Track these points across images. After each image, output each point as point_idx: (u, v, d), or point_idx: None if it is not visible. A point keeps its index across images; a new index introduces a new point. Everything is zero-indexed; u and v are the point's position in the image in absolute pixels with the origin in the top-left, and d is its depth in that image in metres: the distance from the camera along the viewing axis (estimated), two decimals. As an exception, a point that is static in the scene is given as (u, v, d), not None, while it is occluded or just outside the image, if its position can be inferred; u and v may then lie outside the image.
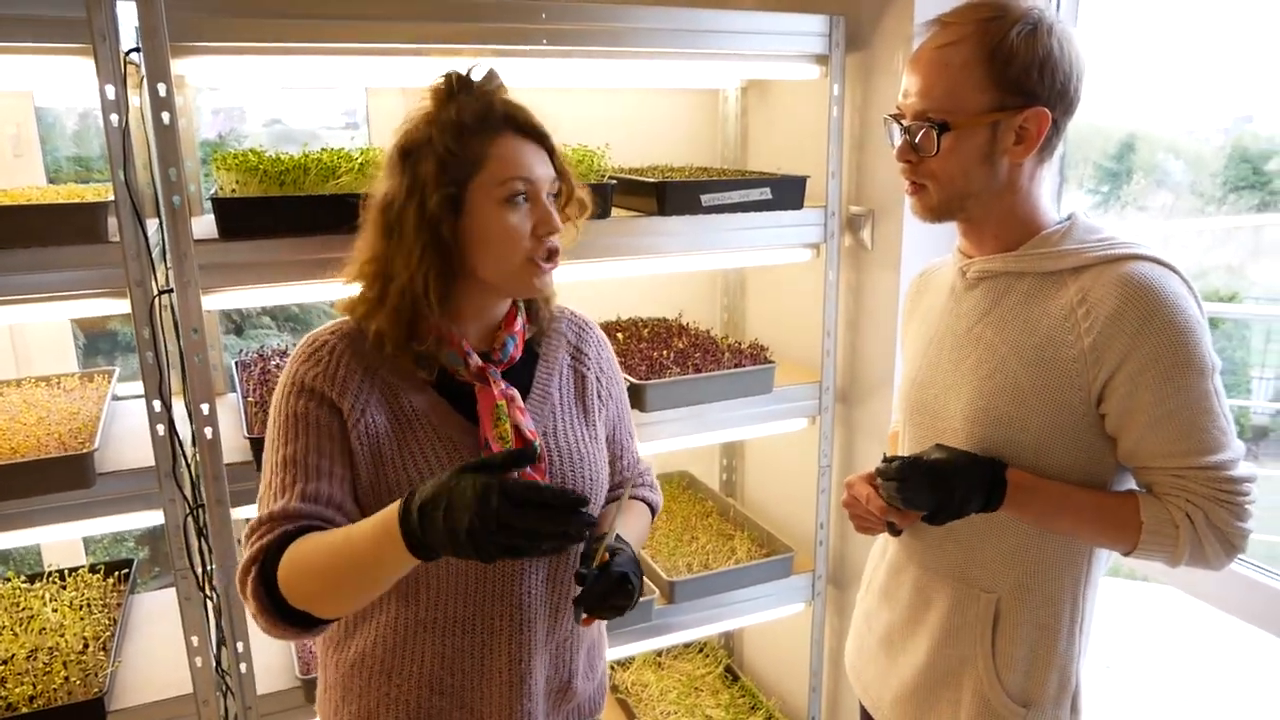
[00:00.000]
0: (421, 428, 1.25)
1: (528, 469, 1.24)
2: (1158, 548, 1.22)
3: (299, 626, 1.15)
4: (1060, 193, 2.07)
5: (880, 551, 1.57)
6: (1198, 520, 1.19)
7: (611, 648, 2.11)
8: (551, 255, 1.25)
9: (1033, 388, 1.26)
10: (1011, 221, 1.31)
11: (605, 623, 1.49)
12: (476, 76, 1.25)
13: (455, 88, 1.23)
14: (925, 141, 1.26)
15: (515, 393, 1.29)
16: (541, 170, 1.23)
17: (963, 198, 1.29)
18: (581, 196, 1.33)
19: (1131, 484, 1.32)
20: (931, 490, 1.26)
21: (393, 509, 1.06)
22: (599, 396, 1.42)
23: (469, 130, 1.20)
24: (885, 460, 1.32)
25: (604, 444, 1.41)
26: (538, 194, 1.23)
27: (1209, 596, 1.71)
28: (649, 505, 1.53)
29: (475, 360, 1.27)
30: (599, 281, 2.03)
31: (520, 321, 1.33)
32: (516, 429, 1.26)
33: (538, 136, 1.25)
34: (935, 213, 1.32)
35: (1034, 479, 1.27)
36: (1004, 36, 1.20)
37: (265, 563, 1.14)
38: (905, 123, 1.28)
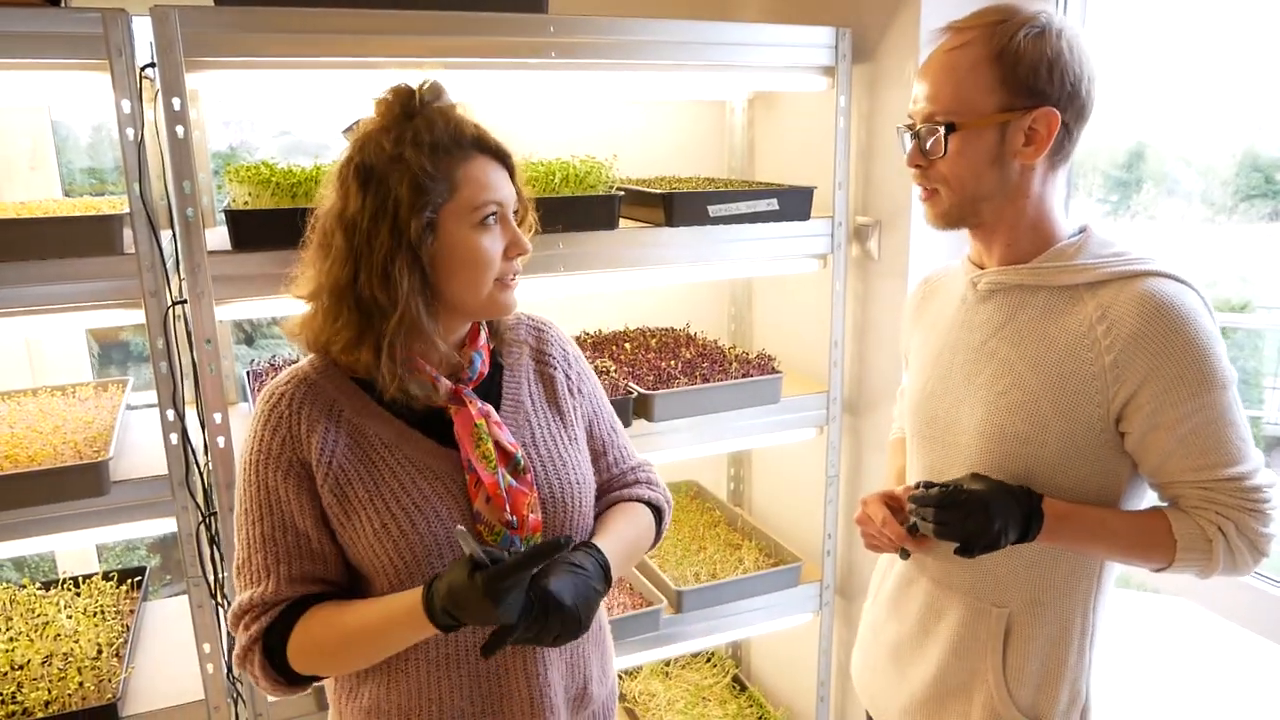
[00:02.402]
0: (399, 462, 1.22)
1: (512, 482, 1.23)
2: (1192, 562, 1.22)
3: (305, 684, 1.23)
4: (1068, 202, 2.07)
5: (889, 562, 1.55)
6: (1229, 532, 1.19)
7: (618, 657, 2.11)
8: (515, 274, 1.25)
9: (1050, 404, 1.25)
10: (1023, 229, 1.30)
11: (609, 626, 1.47)
12: (416, 85, 1.21)
13: (415, 104, 1.20)
14: (934, 144, 1.26)
15: (490, 408, 1.27)
16: (507, 191, 1.23)
17: (974, 201, 1.28)
18: (533, 212, 1.33)
19: (1146, 497, 1.32)
20: (970, 522, 1.23)
21: (413, 600, 1.11)
22: (570, 394, 1.40)
23: (443, 151, 1.17)
24: (923, 486, 1.30)
25: (584, 444, 1.39)
26: (506, 215, 1.23)
27: (1227, 611, 1.69)
28: (652, 506, 1.44)
29: (445, 384, 1.24)
30: (607, 291, 2.04)
31: (484, 336, 1.32)
32: (497, 444, 1.24)
33: (501, 156, 1.24)
34: (947, 218, 1.31)
35: (1069, 507, 1.25)
36: (1011, 37, 1.21)
37: (266, 643, 1.18)
38: (916, 128, 1.29)
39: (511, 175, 1.25)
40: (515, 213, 1.26)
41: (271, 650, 1.18)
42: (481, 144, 1.21)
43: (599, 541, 1.26)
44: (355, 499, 1.20)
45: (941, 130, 1.24)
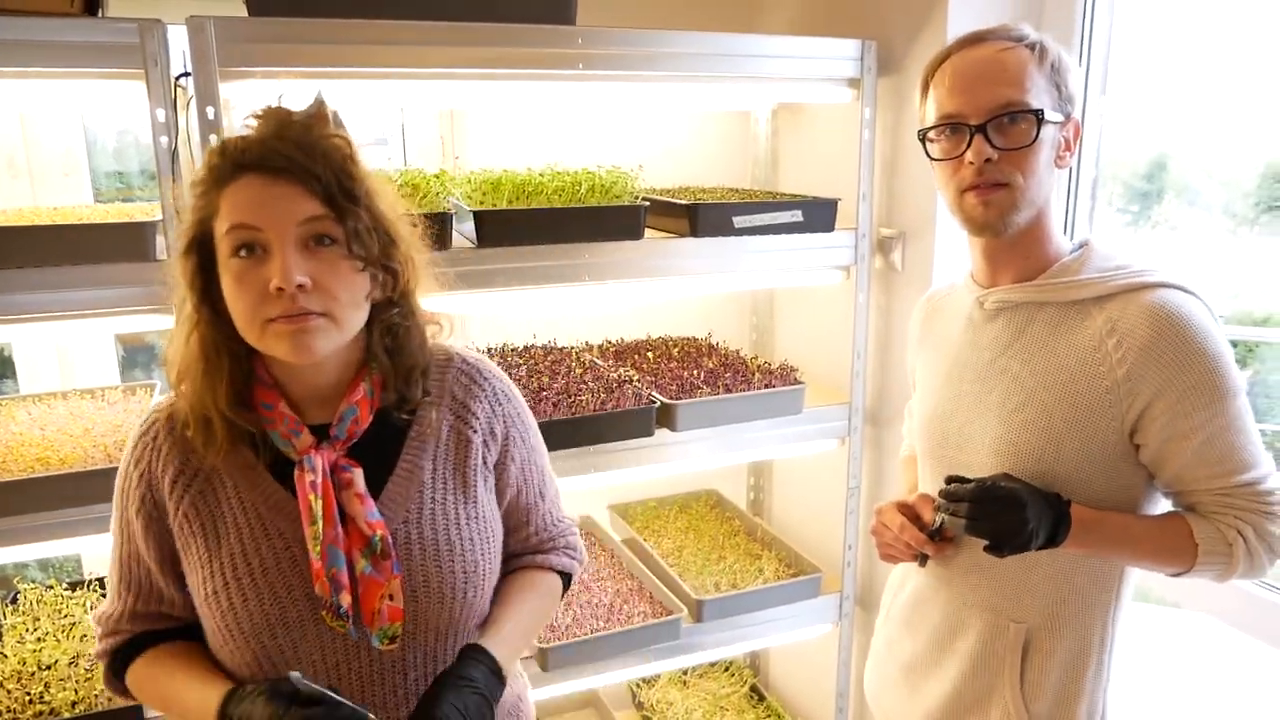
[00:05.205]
0: (247, 522, 1.10)
1: (367, 569, 1.07)
2: (1213, 565, 1.23)
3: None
4: (1091, 213, 2.07)
5: (899, 581, 1.56)
6: (1248, 535, 1.21)
7: (637, 666, 2.12)
8: (306, 313, 1.01)
9: (1064, 420, 1.25)
10: (1036, 243, 1.31)
11: (532, 710, 1.37)
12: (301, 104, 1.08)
13: (265, 124, 1.05)
14: (1022, 131, 1.22)
15: (355, 475, 1.10)
16: (281, 210, 1.01)
17: (1036, 201, 1.26)
18: (395, 231, 1.10)
19: (1160, 507, 1.32)
20: (1003, 518, 1.22)
21: (212, 699, 1.06)
22: (485, 463, 1.21)
23: (219, 174, 1.03)
24: (956, 480, 1.29)
25: (489, 519, 1.22)
26: (274, 241, 1.00)
27: (1249, 627, 1.68)
28: (563, 573, 1.35)
29: (306, 439, 1.09)
30: (630, 301, 2.05)
31: (364, 387, 1.12)
32: (353, 522, 1.08)
33: (286, 169, 1.01)
34: (1014, 210, 1.25)
35: (1096, 514, 1.25)
36: (1050, 50, 1.25)
37: (113, 662, 1.20)
38: (976, 122, 1.22)
39: (327, 187, 1.03)
40: (329, 238, 1.04)
41: (116, 668, 1.20)
42: (248, 162, 1.02)
43: (492, 634, 1.18)
44: (194, 554, 1.12)
45: (1034, 116, 1.22)
